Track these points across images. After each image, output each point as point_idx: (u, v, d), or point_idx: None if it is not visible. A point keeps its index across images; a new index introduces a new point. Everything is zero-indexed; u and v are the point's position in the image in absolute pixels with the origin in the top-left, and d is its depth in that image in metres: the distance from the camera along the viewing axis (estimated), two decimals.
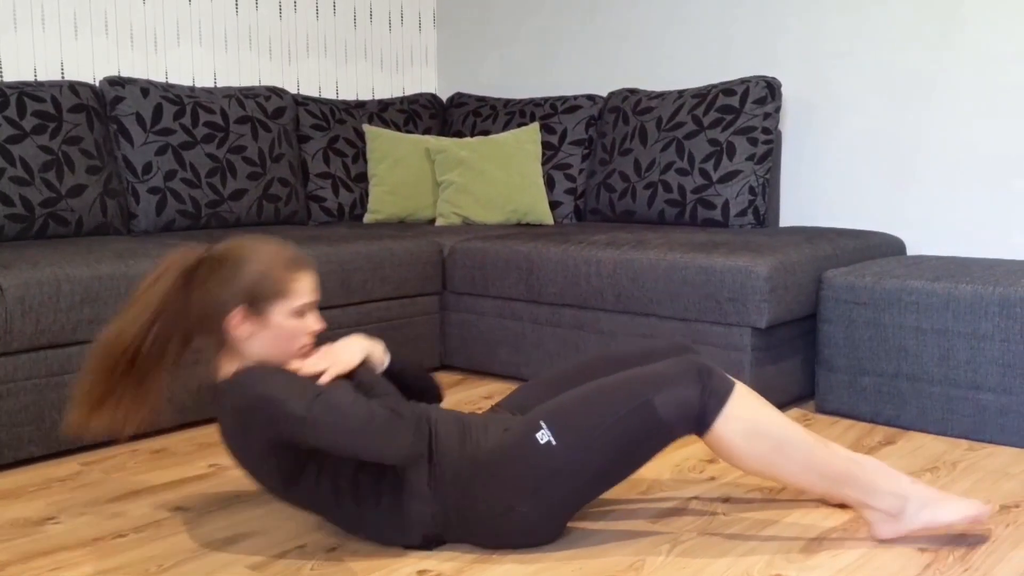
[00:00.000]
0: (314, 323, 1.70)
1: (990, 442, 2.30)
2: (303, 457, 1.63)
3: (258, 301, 1.63)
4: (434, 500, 1.65)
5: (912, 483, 1.71)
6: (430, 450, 1.67)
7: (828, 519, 1.83)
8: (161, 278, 1.65)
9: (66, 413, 1.69)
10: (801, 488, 1.70)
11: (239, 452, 1.68)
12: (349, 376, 1.68)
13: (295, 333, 1.66)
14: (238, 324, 1.63)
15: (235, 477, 2.11)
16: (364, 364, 1.71)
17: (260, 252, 1.65)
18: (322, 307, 2.71)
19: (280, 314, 1.64)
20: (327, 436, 1.54)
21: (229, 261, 1.64)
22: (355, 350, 1.71)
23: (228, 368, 1.68)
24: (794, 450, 1.63)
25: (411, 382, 1.82)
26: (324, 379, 1.63)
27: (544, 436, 1.62)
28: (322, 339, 1.75)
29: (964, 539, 1.72)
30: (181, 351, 1.69)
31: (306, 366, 1.65)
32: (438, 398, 1.90)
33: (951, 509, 1.67)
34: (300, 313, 1.67)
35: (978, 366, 2.30)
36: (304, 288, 1.67)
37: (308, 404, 1.53)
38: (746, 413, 1.61)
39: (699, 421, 1.61)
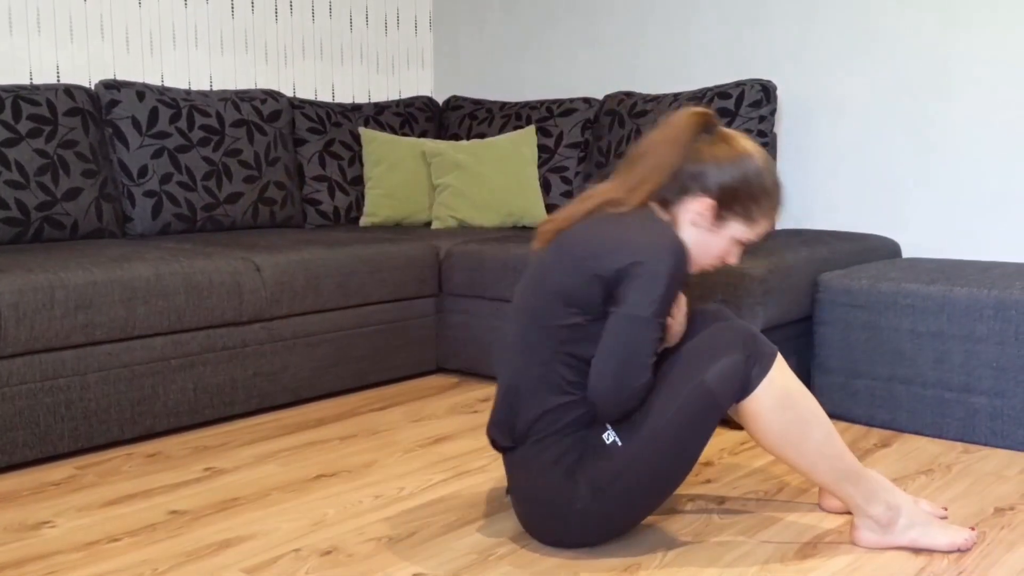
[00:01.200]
0: (735, 258, 1.73)
1: (984, 445, 2.31)
2: (581, 318, 1.60)
3: (730, 207, 1.65)
4: (554, 437, 1.63)
5: (909, 500, 1.71)
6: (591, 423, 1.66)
7: (823, 523, 1.83)
8: (672, 136, 1.65)
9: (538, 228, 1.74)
10: (808, 473, 1.67)
11: (567, 260, 1.62)
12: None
13: (722, 253, 1.70)
14: (700, 210, 1.65)
15: (230, 481, 2.11)
16: (669, 331, 1.72)
17: (765, 168, 1.66)
18: (320, 310, 2.71)
19: (732, 232, 1.67)
20: (619, 341, 1.55)
21: (738, 150, 1.65)
22: (682, 324, 1.74)
23: (662, 215, 1.67)
24: (816, 430, 1.63)
25: None
26: (672, 316, 1.66)
27: (610, 436, 1.62)
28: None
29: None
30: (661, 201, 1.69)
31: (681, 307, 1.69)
32: None
33: (939, 536, 1.68)
34: (740, 243, 1.69)
35: (972, 369, 2.30)
36: (765, 228, 1.69)
37: (657, 316, 1.54)
38: (784, 382, 1.61)
39: (743, 388, 1.60)
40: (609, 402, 1.58)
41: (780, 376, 1.61)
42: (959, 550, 1.67)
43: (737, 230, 1.68)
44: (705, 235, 1.68)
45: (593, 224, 1.65)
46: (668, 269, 1.55)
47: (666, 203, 1.68)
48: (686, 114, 1.68)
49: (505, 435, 1.69)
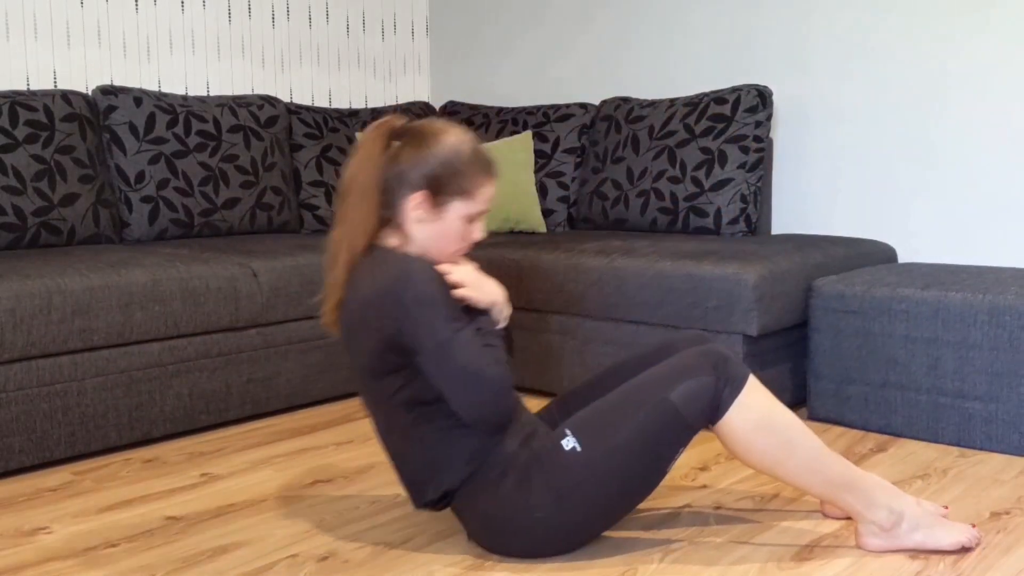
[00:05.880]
0: (478, 232, 1.72)
1: (980, 449, 2.31)
2: (401, 364, 1.61)
3: (442, 191, 1.65)
4: (475, 470, 1.65)
5: (911, 502, 1.72)
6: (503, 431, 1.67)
7: (819, 527, 1.83)
8: (365, 157, 1.65)
9: (321, 314, 1.73)
10: (801, 488, 1.69)
11: (356, 325, 1.64)
12: (468, 311, 1.67)
13: (461, 235, 1.69)
14: (416, 206, 1.65)
15: (226, 487, 2.11)
16: (489, 313, 1.70)
17: (459, 142, 1.66)
18: (315, 316, 2.71)
19: (456, 212, 1.67)
20: (446, 369, 1.55)
21: (428, 139, 1.65)
22: (493, 294, 1.70)
23: (390, 240, 1.68)
24: (800, 449, 1.63)
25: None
26: (460, 292, 1.64)
27: (569, 442, 1.62)
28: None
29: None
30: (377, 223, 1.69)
31: (456, 271, 1.65)
32: None
33: (944, 536, 1.68)
34: (472, 219, 1.69)
35: (967, 374, 2.31)
36: (486, 195, 1.69)
37: (453, 330, 1.54)
38: (759, 405, 1.61)
39: (714, 410, 1.60)
40: (490, 420, 1.60)
41: (754, 399, 1.61)
42: (964, 548, 1.68)
43: (460, 208, 1.67)
44: (434, 226, 1.67)
45: (351, 294, 1.65)
46: (420, 291, 1.56)
47: (390, 219, 1.68)
48: (370, 131, 1.68)
49: (424, 496, 1.70)
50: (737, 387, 1.60)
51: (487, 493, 1.65)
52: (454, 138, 1.67)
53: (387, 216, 1.67)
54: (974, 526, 1.72)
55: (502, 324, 1.72)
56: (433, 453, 1.66)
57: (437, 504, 1.72)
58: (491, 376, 1.56)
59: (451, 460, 1.65)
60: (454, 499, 1.70)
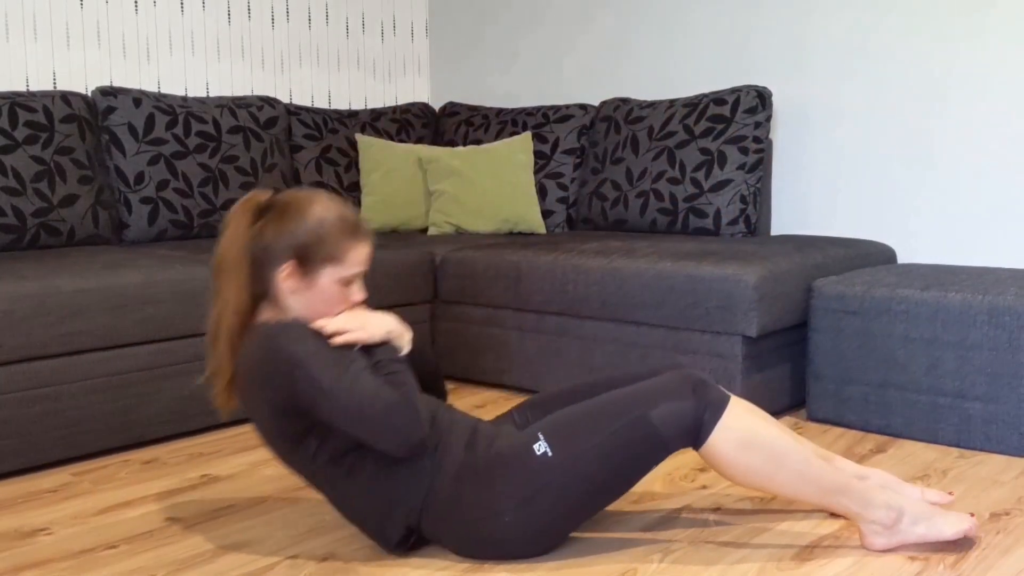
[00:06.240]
0: (358, 293, 1.72)
1: (979, 450, 2.31)
2: (308, 424, 1.63)
3: (310, 260, 1.65)
4: (426, 494, 1.66)
5: (910, 495, 1.72)
6: (435, 446, 1.67)
7: (819, 527, 1.83)
8: (233, 234, 1.66)
9: (212, 395, 1.72)
10: (796, 499, 1.70)
11: (251, 403, 1.66)
12: (367, 350, 1.67)
13: (338, 299, 1.68)
14: (286, 277, 1.65)
15: (226, 488, 2.11)
16: (387, 343, 1.70)
17: (323, 210, 1.67)
18: None
19: (328, 278, 1.66)
20: (342, 413, 1.55)
21: (291, 211, 1.66)
22: (383, 326, 1.70)
23: (265, 315, 1.69)
24: (788, 462, 1.63)
25: (423, 377, 1.82)
26: (343, 338, 1.63)
27: (541, 447, 1.62)
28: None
29: (954, 546, 1.72)
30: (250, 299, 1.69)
31: (332, 322, 1.65)
32: (444, 395, 1.92)
33: (947, 524, 1.69)
34: (347, 281, 1.69)
35: (966, 375, 2.31)
36: (358, 258, 1.69)
37: (335, 376, 1.54)
38: (741, 425, 1.61)
39: (695, 434, 1.61)
40: (405, 442, 1.58)
41: (736, 421, 1.61)
42: (966, 537, 1.70)
43: (332, 273, 1.67)
44: (308, 295, 1.67)
45: (238, 372, 1.66)
46: (291, 352, 1.56)
47: (265, 293, 1.68)
48: (237, 208, 1.69)
49: (390, 540, 1.70)
50: (718, 411, 1.61)
51: (448, 511, 1.66)
52: (319, 207, 1.68)
53: (260, 291, 1.68)
54: (972, 515, 1.72)
55: (405, 349, 1.73)
56: (378, 496, 1.66)
57: (407, 541, 1.71)
58: (385, 402, 1.55)
59: (399, 496, 1.66)
60: (420, 529, 1.70)
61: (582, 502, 1.66)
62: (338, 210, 1.69)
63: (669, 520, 1.88)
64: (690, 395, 1.61)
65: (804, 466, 1.64)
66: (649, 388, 1.64)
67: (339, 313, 1.69)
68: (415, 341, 1.77)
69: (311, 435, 1.64)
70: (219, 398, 1.71)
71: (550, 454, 1.61)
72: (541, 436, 1.64)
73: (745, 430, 1.62)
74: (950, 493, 1.87)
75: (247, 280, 1.66)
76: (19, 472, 2.21)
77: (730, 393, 1.66)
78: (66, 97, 2.92)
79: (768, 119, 3.07)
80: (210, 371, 1.71)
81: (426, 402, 1.68)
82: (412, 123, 3.82)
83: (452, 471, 1.66)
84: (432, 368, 1.86)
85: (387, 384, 1.58)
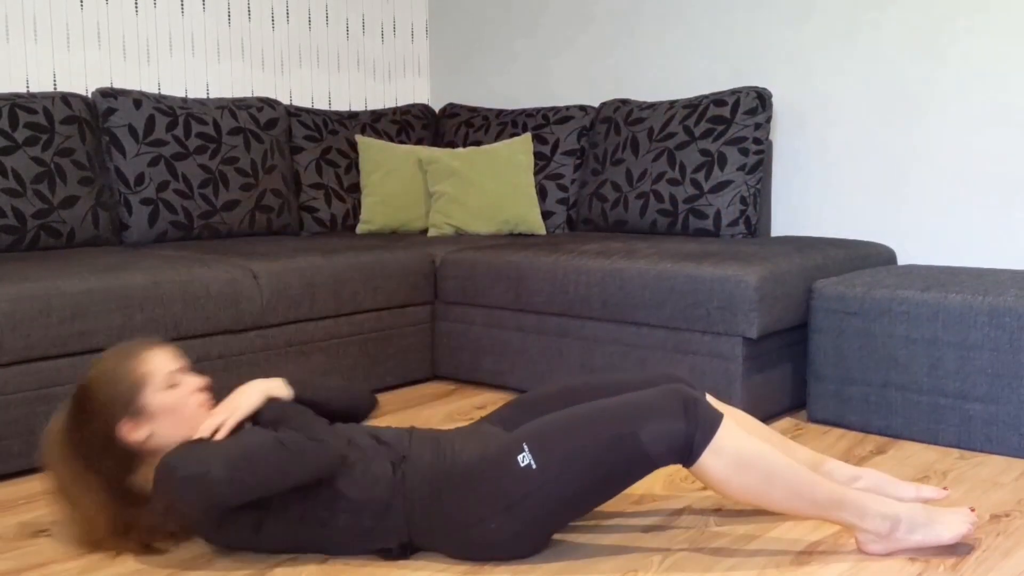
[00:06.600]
0: (193, 382, 1.75)
1: (980, 451, 2.31)
2: (255, 507, 1.66)
3: (129, 405, 1.68)
4: (406, 511, 1.68)
5: (905, 494, 1.71)
6: (395, 465, 1.70)
7: (818, 530, 1.83)
8: (58, 457, 1.70)
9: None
10: (791, 514, 1.71)
11: (206, 532, 1.73)
12: (254, 419, 1.73)
13: (182, 402, 1.72)
14: (131, 432, 1.69)
15: None
16: (268, 403, 1.75)
17: (103, 370, 1.71)
18: (315, 318, 2.71)
19: (155, 398, 1.69)
20: (256, 483, 1.57)
21: (84, 397, 1.70)
22: (252, 393, 1.75)
23: (145, 474, 1.72)
24: (781, 480, 1.63)
25: (333, 406, 1.86)
26: (224, 428, 1.68)
27: (525, 459, 1.62)
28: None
29: (954, 548, 1.72)
30: (129, 480, 1.74)
31: (205, 426, 1.69)
32: (371, 406, 1.95)
33: (945, 530, 1.68)
34: (172, 384, 1.72)
35: (967, 376, 2.31)
36: (156, 364, 1.72)
37: (225, 463, 1.55)
38: (733, 445, 1.60)
39: (686, 454, 1.60)
40: (324, 468, 1.63)
41: (729, 441, 1.60)
42: (964, 541, 1.69)
43: (153, 398, 1.69)
44: (162, 422, 1.70)
45: (178, 525, 1.75)
46: (182, 476, 1.55)
47: (130, 464, 1.72)
48: (44, 440, 1.73)
49: (390, 552, 1.72)
50: (709, 432, 1.59)
51: (433, 521, 1.67)
52: (95, 371, 1.71)
53: (125, 469, 1.71)
54: (973, 510, 1.72)
55: (287, 393, 1.78)
56: (360, 531, 1.69)
57: (406, 553, 1.72)
58: (292, 451, 1.60)
59: (378, 524, 1.68)
60: (413, 543, 1.72)
61: (567, 510, 1.67)
62: (110, 356, 1.73)
63: (669, 523, 1.88)
64: (681, 415, 1.59)
65: (797, 483, 1.64)
66: (640, 404, 1.63)
67: (200, 407, 1.74)
68: (294, 384, 1.81)
69: (280, 508, 1.67)
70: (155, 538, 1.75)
71: (534, 467, 1.61)
72: (526, 447, 1.63)
73: (736, 451, 1.60)
74: (945, 488, 1.86)
75: (103, 481, 1.69)
76: (22, 473, 2.21)
77: (721, 412, 1.64)
78: (66, 98, 2.92)
79: (768, 120, 3.07)
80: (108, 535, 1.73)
81: (343, 429, 1.75)
82: (412, 124, 3.82)
83: (427, 483, 1.68)
84: (335, 393, 1.89)
85: (268, 433, 1.62)
